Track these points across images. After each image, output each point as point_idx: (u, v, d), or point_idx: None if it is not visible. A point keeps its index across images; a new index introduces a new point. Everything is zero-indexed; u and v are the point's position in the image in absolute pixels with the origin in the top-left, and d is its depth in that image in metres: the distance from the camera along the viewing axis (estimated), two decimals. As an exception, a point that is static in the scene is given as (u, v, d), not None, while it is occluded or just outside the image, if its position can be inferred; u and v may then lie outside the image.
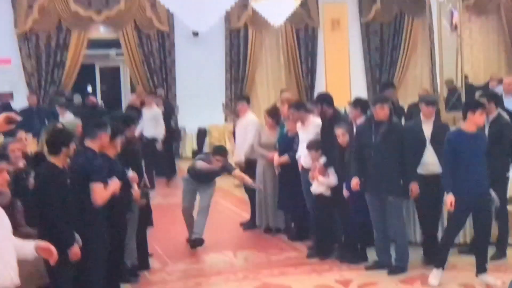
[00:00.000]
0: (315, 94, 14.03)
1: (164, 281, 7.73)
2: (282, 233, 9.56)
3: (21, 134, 7.83)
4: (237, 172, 9.26)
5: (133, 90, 17.63)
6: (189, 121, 17.10)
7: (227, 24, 17.84)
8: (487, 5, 19.30)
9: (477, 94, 10.46)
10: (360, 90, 17.70)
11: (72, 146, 5.90)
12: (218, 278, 7.83)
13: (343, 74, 18.48)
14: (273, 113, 9.87)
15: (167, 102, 16.22)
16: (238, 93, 17.43)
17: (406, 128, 8.03)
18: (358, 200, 7.74)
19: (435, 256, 7.24)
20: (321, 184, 8.23)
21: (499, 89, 12.29)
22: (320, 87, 17.97)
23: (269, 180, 9.60)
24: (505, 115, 8.47)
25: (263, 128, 9.93)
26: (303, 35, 18.60)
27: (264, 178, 9.65)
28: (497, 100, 8.20)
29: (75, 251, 5.63)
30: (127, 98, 17.95)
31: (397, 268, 7.59)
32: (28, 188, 6.40)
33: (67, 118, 12.39)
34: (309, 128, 8.85)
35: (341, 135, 7.98)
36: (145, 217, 7.97)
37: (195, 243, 8.85)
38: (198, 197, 9.16)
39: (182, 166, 15.81)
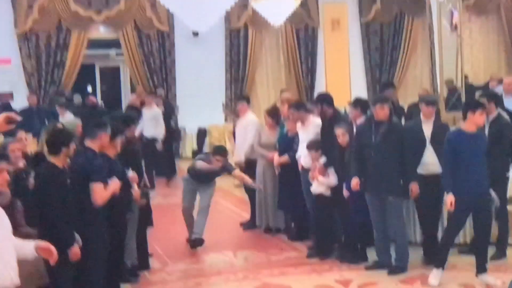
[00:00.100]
0: (315, 94, 14.03)
1: (164, 281, 7.73)
2: (282, 233, 9.56)
3: (21, 134, 7.84)
4: (237, 172, 9.26)
5: (133, 90, 17.63)
6: (189, 121, 17.11)
7: (227, 24, 17.85)
8: (487, 5, 19.30)
9: (477, 94, 10.46)
10: (360, 90, 17.70)
11: (72, 146, 5.90)
12: (218, 278, 7.83)
13: (343, 74, 18.48)
14: (273, 113, 9.86)
15: (167, 102, 16.22)
16: (238, 93, 17.43)
17: (406, 128, 8.03)
18: (358, 200, 7.74)
19: (435, 256, 7.24)
20: (321, 184, 8.23)
21: (499, 89, 12.28)
22: (320, 87, 17.97)
23: (269, 180, 9.60)
24: (505, 115, 8.47)
25: (263, 128, 9.93)
26: (303, 35, 18.61)
27: (264, 178, 9.65)
28: (497, 100, 8.20)
29: (75, 251, 5.64)
30: (127, 98, 17.95)
31: (397, 268, 7.59)
32: (28, 188, 6.40)
33: (67, 118, 12.39)
34: (309, 128, 8.85)
35: (341, 135, 7.98)
36: (145, 217, 7.97)
37: (195, 243, 8.85)
38: (198, 197, 9.15)
39: (182, 166, 15.82)
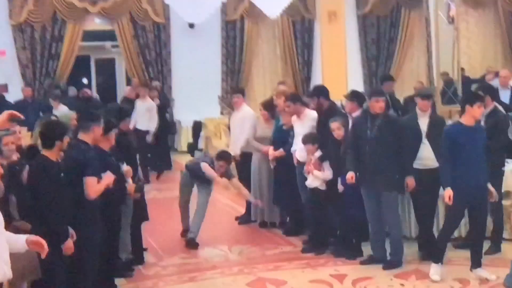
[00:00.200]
0: (311, 87, 13.99)
1: (159, 276, 7.71)
2: (277, 227, 9.54)
3: (16, 127, 7.78)
4: (235, 181, 9.22)
5: (128, 82, 17.59)
6: (184, 114, 17.08)
7: (223, 16, 17.79)
8: (484, -3, 19.25)
9: (473, 87, 10.45)
10: (357, 82, 17.64)
11: (66, 139, 5.86)
12: (213, 272, 7.81)
13: (340, 67, 18.43)
14: (269, 106, 9.83)
15: (163, 94, 16.17)
16: (234, 85, 17.39)
17: (402, 122, 7.99)
18: (353, 194, 7.72)
19: (433, 251, 7.19)
20: (316, 178, 8.21)
21: (495, 82, 12.26)
22: (316, 80, 17.94)
23: (264, 174, 9.58)
24: (501, 108, 8.45)
25: (258, 121, 9.89)
26: (300, 27, 18.56)
27: (259, 172, 9.62)
28: (493, 93, 8.18)
29: (69, 245, 5.62)
30: (122, 90, 17.92)
31: (392, 262, 7.58)
32: (22, 182, 6.36)
33: (61, 111, 12.33)
34: (304, 122, 8.82)
35: (336, 129, 7.95)
36: (140, 211, 7.93)
37: (189, 243, 8.80)
38: (195, 191, 9.10)
39: (178, 159, 15.82)
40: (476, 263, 7.08)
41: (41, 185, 5.61)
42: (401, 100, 12.15)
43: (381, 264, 7.58)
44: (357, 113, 8.19)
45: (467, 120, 6.95)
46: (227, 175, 8.98)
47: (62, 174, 5.74)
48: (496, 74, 13.59)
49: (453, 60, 13.11)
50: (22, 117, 5.27)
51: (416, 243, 8.05)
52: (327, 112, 8.46)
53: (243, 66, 18.02)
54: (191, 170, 8.99)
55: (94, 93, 17.77)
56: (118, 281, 6.95)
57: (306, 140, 8.40)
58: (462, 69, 14.72)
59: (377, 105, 7.58)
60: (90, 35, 17.56)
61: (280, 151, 9.16)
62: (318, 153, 8.27)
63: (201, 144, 16.45)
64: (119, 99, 17.15)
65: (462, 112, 7.09)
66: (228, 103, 15.88)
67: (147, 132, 13.39)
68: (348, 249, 8.01)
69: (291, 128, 9.08)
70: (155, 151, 14.27)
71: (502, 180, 7.89)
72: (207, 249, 8.74)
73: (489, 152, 7.14)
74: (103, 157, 6.48)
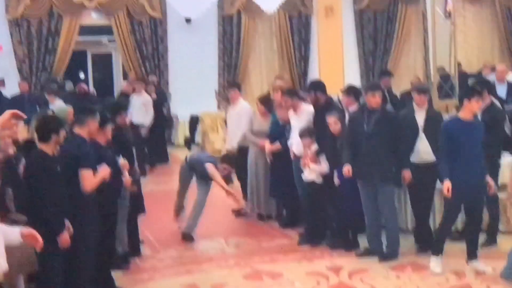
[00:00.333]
0: (308, 82, 13.99)
1: (155, 268, 7.73)
2: (274, 220, 9.56)
3: (12, 121, 7.76)
4: (232, 186, 9.25)
5: (125, 77, 17.58)
6: (181, 108, 17.05)
7: (220, 11, 17.77)
8: (481, -8, 19.28)
9: (470, 81, 10.48)
10: (354, 77, 17.65)
11: (62, 133, 5.87)
12: (209, 265, 7.83)
13: (337, 62, 18.39)
14: (265, 101, 9.84)
15: (160, 89, 16.16)
16: (231, 80, 17.37)
17: (399, 117, 8.01)
18: (349, 188, 7.74)
19: (433, 244, 7.18)
20: (312, 171, 8.23)
21: (492, 77, 12.30)
22: (313, 75, 17.93)
23: (261, 167, 9.59)
24: (497, 103, 8.47)
25: (255, 116, 9.90)
26: (297, 22, 18.54)
27: (256, 165, 9.64)
28: (489, 88, 8.19)
29: (65, 238, 5.62)
30: (119, 85, 17.91)
31: (388, 255, 7.60)
32: (19, 175, 6.37)
33: (57, 105, 12.33)
34: (301, 116, 8.84)
35: (333, 123, 7.97)
36: (137, 204, 7.95)
37: (185, 237, 8.81)
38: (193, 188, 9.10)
39: (174, 153, 15.83)
40: (472, 255, 7.11)
41: (37, 179, 5.62)
42: (398, 95, 12.18)
43: (377, 256, 7.61)
44: (353, 107, 8.21)
45: (465, 114, 6.96)
46: (228, 178, 8.97)
47: (58, 168, 5.74)
48: (493, 69, 13.65)
49: (450, 55, 13.11)
50: (24, 116, 5.30)
51: (412, 235, 8.07)
52: (324, 106, 8.47)
53: (240, 61, 18.01)
54: (192, 166, 8.93)
55: (91, 88, 17.76)
56: (114, 273, 6.95)
57: (303, 133, 8.42)
58: (459, 64, 14.75)
59: (373, 99, 7.60)
60: (86, 30, 17.53)
61: (277, 145, 9.18)
62: (314, 147, 8.29)
63: (197, 138, 16.44)
64: (116, 93, 17.14)
65: (460, 106, 7.10)
66: (225, 97, 15.86)
67: (142, 126, 13.35)
68: (345, 241, 8.03)
69: (287, 123, 9.10)
70: (151, 144, 14.28)
71: (498, 173, 7.91)
72: (203, 241, 8.77)
73: (485, 146, 7.15)
74: (99, 151, 6.48)
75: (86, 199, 6.02)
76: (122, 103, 8.41)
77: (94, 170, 6.07)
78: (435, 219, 8.30)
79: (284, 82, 11.64)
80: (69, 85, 16.36)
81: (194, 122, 16.89)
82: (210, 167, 8.66)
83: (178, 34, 17.39)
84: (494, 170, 7.71)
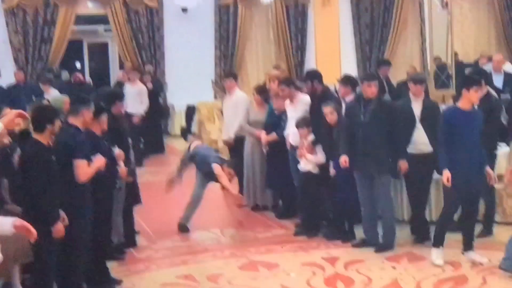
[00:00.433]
0: (305, 71, 13.97)
1: (151, 259, 7.72)
2: (270, 211, 9.55)
3: (7, 110, 7.74)
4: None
5: (121, 66, 17.53)
6: (177, 98, 17.03)
7: (216, 0, 17.74)
8: (478, -19, 19.23)
9: (467, 71, 10.45)
10: (350, 67, 17.63)
11: (57, 124, 5.84)
12: (205, 255, 7.82)
13: (333, 51, 18.39)
14: (262, 91, 9.81)
15: (156, 78, 16.13)
16: (227, 69, 17.34)
17: (395, 107, 7.98)
18: (345, 178, 7.72)
19: (434, 236, 7.13)
20: (309, 161, 8.22)
21: (488, 67, 12.27)
22: (310, 64, 17.90)
23: (257, 158, 9.58)
24: (493, 93, 8.45)
25: (252, 106, 9.88)
26: (293, 11, 18.47)
27: (252, 156, 9.62)
28: (486, 78, 8.16)
29: (59, 228, 5.60)
30: (115, 74, 17.87)
31: (384, 245, 7.60)
32: (14, 165, 6.34)
33: (52, 95, 12.28)
34: (297, 106, 8.83)
35: (329, 113, 7.95)
36: (132, 195, 7.93)
37: (180, 228, 8.78)
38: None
39: (171, 144, 15.81)
40: (468, 246, 7.11)
41: (32, 169, 5.60)
42: (394, 85, 12.16)
43: (373, 247, 7.60)
44: (350, 97, 8.19)
45: (463, 104, 6.93)
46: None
47: (53, 158, 5.72)
48: (489, 59, 13.59)
49: (447, 45, 13.11)
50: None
51: (408, 226, 8.06)
52: (321, 96, 8.45)
53: (236, 50, 17.96)
54: (194, 160, 8.82)
55: (87, 77, 17.72)
56: (110, 264, 6.94)
57: (300, 124, 8.41)
58: (456, 54, 14.72)
59: (369, 89, 7.57)
60: (82, 19, 17.49)
61: (273, 136, 9.16)
62: (311, 137, 8.27)
63: (194, 128, 16.42)
64: (112, 83, 17.10)
65: (458, 96, 7.07)
66: (221, 87, 15.84)
67: (134, 114, 13.28)
68: (341, 232, 8.02)
69: (283, 113, 9.08)
70: (147, 135, 14.26)
71: (495, 163, 7.90)
72: (199, 232, 8.76)
73: (482, 136, 7.13)
74: (94, 141, 6.45)
75: (81, 190, 5.99)
76: (117, 93, 8.35)
77: (89, 160, 6.04)
78: (431, 210, 8.32)
79: (281, 72, 11.60)
80: (65, 75, 16.30)
81: (190, 112, 16.87)
82: (217, 169, 8.43)
83: (175, 24, 17.35)
84: (491, 161, 7.70)
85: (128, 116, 12.84)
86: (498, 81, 10.77)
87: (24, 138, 6.46)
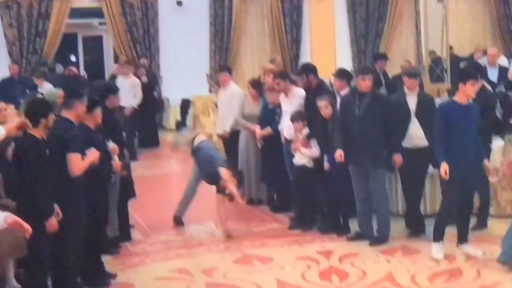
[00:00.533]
0: (300, 64, 13.95)
1: (146, 253, 7.72)
2: (264, 204, 9.54)
3: (1, 104, 7.72)
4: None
5: (116, 59, 17.49)
6: (172, 91, 17.00)
7: (211, -7, 17.69)
8: (474, -25, 19.21)
9: (462, 65, 10.45)
10: (346, 60, 17.61)
11: (51, 117, 5.83)
12: (199, 249, 7.83)
13: (328, 45, 18.34)
14: (257, 84, 9.79)
15: (151, 72, 16.09)
16: (222, 63, 17.31)
17: (390, 101, 7.98)
18: (340, 172, 7.72)
19: (433, 230, 7.10)
20: (303, 155, 8.21)
21: (483, 60, 12.27)
22: (305, 58, 17.88)
23: (252, 152, 9.56)
24: (488, 87, 8.45)
25: (246, 99, 9.86)
26: (288, 4, 18.45)
27: (247, 150, 9.61)
28: (481, 72, 8.16)
29: (52, 222, 5.59)
30: (110, 67, 17.82)
31: (379, 239, 7.61)
32: (8, 159, 6.33)
33: (46, 89, 12.25)
34: (292, 100, 8.82)
35: (324, 107, 7.94)
36: (127, 188, 7.92)
37: (175, 220, 8.77)
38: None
39: (165, 137, 15.80)
40: (462, 239, 7.11)
41: (26, 162, 5.59)
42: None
43: (368, 240, 7.61)
44: (345, 91, 8.18)
45: (460, 98, 6.92)
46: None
47: (47, 152, 5.71)
48: (484, 52, 13.60)
49: (442, 39, 13.08)
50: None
51: (403, 219, 8.07)
52: (315, 90, 8.44)
53: (231, 44, 17.93)
54: (196, 155, 8.65)
55: (82, 71, 17.67)
56: (104, 258, 6.93)
57: (294, 117, 8.40)
58: (451, 48, 14.71)
59: (363, 83, 7.57)
60: (77, 13, 17.42)
61: (267, 130, 9.15)
62: (305, 131, 8.27)
63: (189, 122, 16.41)
64: (107, 76, 17.05)
65: (453, 90, 7.06)
66: (216, 81, 15.81)
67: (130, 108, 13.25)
68: (335, 225, 8.03)
69: (277, 107, 9.07)
70: (142, 128, 14.23)
71: (490, 157, 7.90)
72: (193, 226, 8.76)
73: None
74: (88, 135, 6.44)
75: (74, 183, 5.98)
76: (111, 86, 8.31)
77: (83, 154, 6.03)
78: (426, 204, 8.33)
79: (276, 65, 11.59)
80: (59, 68, 16.25)
81: (185, 105, 16.85)
82: (225, 173, 8.15)
83: (169, 17, 17.31)
84: (486, 154, 7.70)
85: (121, 109, 12.82)
86: (493, 74, 10.78)
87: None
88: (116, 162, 7.17)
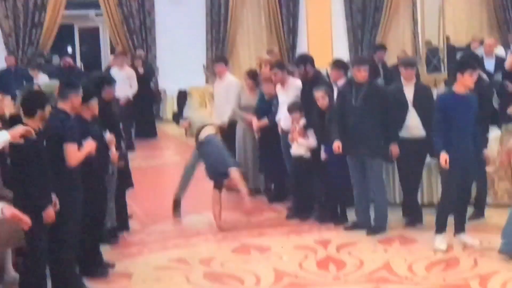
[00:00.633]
0: (297, 55, 13.94)
1: (143, 242, 7.73)
2: (262, 194, 9.56)
3: (-3, 95, 7.72)
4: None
5: (113, 51, 17.46)
6: (169, 82, 16.98)
7: (207, -16, 17.65)
8: (471, -36, 19.20)
9: (458, 55, 10.45)
10: (342, 51, 17.60)
11: (48, 109, 5.82)
12: (197, 239, 7.84)
13: (325, 35, 18.33)
14: (253, 75, 9.79)
15: (147, 63, 16.07)
16: (218, 54, 17.28)
17: (387, 92, 7.98)
18: (337, 162, 7.74)
19: (435, 222, 7.07)
20: (300, 146, 8.22)
21: (480, 51, 12.28)
22: (301, 48, 17.87)
23: (249, 142, 9.58)
24: (485, 77, 8.45)
25: (243, 90, 9.85)
26: (285, -6, 18.44)
27: (244, 140, 9.62)
28: (477, 62, 8.16)
29: (49, 213, 5.59)
30: (107, 59, 17.79)
31: (376, 228, 7.62)
32: (4, 151, 6.32)
33: (41, 80, 12.24)
34: (289, 91, 8.82)
35: (320, 97, 7.94)
36: (125, 179, 7.92)
37: (174, 203, 8.79)
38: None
39: (163, 128, 15.80)
40: (459, 228, 7.13)
41: (23, 154, 5.58)
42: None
43: (365, 230, 7.62)
44: (342, 81, 8.19)
45: (458, 88, 6.91)
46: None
47: (43, 143, 5.71)
48: (481, 43, 13.61)
49: (439, 29, 13.11)
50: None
51: (400, 209, 8.08)
52: (312, 80, 8.44)
53: (228, 34, 17.91)
54: (202, 149, 8.52)
55: (78, 62, 17.64)
56: (102, 248, 6.94)
57: (291, 108, 8.41)
58: (447, 38, 14.73)
59: (359, 74, 7.57)
60: (73, 4, 17.36)
61: (264, 121, 9.16)
62: (302, 121, 8.27)
63: (186, 113, 16.39)
64: (103, 68, 17.03)
65: (450, 80, 7.06)
66: (213, 72, 15.79)
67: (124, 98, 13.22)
68: (333, 215, 8.04)
69: (273, 98, 9.07)
70: (139, 119, 14.23)
71: (487, 147, 7.92)
72: (191, 216, 8.77)
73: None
74: (84, 126, 6.42)
75: (71, 174, 5.98)
76: (106, 77, 8.29)
77: (79, 145, 6.02)
78: (423, 193, 8.35)
79: (273, 56, 11.59)
80: (55, 60, 16.22)
81: (182, 96, 16.84)
82: (235, 174, 8.11)
83: (166, 8, 17.27)
84: (484, 144, 7.72)
85: (117, 100, 12.79)
86: (489, 65, 10.78)
87: (14, 123, 6.43)
88: (113, 153, 7.17)
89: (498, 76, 10.62)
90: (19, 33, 16.30)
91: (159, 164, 9.74)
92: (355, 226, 7.78)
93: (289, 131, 8.44)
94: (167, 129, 16.23)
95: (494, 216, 7.76)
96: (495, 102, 9.56)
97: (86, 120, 6.56)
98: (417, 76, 8.55)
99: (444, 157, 6.75)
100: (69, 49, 19.59)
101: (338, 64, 8.58)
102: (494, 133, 8.34)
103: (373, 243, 7.32)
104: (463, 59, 8.48)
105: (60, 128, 5.92)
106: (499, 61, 11.12)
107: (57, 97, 6.61)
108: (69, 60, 15.79)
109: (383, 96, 7.69)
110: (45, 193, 5.62)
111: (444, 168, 6.80)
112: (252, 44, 18.29)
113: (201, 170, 8.61)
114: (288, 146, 8.48)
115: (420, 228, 7.65)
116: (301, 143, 8.21)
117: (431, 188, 8.37)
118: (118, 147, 7.34)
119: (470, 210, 7.60)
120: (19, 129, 5.27)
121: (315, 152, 8.15)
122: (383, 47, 12.99)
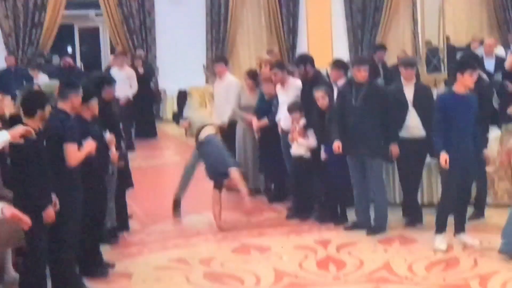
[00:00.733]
0: (297, 55, 13.94)
1: (143, 242, 7.73)
2: (262, 194, 9.56)
3: (-3, 94, 7.72)
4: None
5: (113, 51, 17.46)
6: (169, 82, 16.98)
7: (207, -16, 17.65)
8: (471, -36, 19.20)
9: (458, 55, 10.45)
10: (342, 51, 17.60)
11: (48, 109, 5.82)
12: (197, 239, 7.84)
13: (325, 35, 18.33)
14: (254, 75, 9.79)
15: (147, 63, 16.07)
16: (218, 54, 17.27)
17: (387, 92, 7.98)
18: (337, 162, 7.73)
19: (435, 222, 7.07)
20: (300, 146, 8.22)
21: (480, 51, 12.28)
22: (301, 48, 17.87)
23: (249, 142, 9.58)
24: (485, 77, 8.45)
25: (243, 90, 9.85)
26: (285, -6, 18.44)
27: (244, 140, 9.63)
28: (477, 62, 8.16)
29: (49, 213, 5.59)
30: (107, 59, 17.79)
31: (376, 228, 7.62)
32: (4, 150, 6.32)
33: (41, 80, 12.24)
34: (289, 91, 8.83)
35: (320, 97, 7.94)
36: (125, 178, 7.92)
37: (174, 203, 8.80)
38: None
39: (163, 128, 15.80)
40: (459, 228, 7.13)
41: (23, 154, 5.58)
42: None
43: (365, 230, 7.62)
44: (342, 81, 8.19)
45: (458, 88, 6.91)
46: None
47: (43, 143, 5.71)
48: (481, 42, 13.61)
49: (439, 28, 13.10)
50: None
51: (400, 209, 8.08)
52: (312, 80, 8.45)
53: (228, 35, 17.91)
54: (202, 149, 8.53)
55: (78, 62, 17.64)
56: (102, 247, 6.94)
57: (291, 108, 8.41)
58: (447, 38, 14.72)
59: (359, 74, 7.57)
60: (73, 4, 17.36)
61: (264, 121, 9.16)
62: (302, 121, 8.27)
63: (186, 113, 16.39)
64: (103, 68, 17.03)
65: (450, 80, 7.06)
66: (213, 72, 15.79)
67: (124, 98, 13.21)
68: (333, 215, 8.04)
69: (273, 98, 9.07)
70: (139, 119, 14.23)
71: (487, 147, 7.92)
72: (191, 216, 8.77)
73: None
74: (84, 126, 6.42)
75: (71, 174, 5.98)
76: (105, 77, 8.29)
77: (79, 145, 6.03)
78: (423, 193, 8.35)
79: (273, 56, 11.59)
80: (55, 60, 16.22)
81: (182, 96, 16.84)
82: (235, 174, 8.10)
83: (166, 8, 17.27)
84: (484, 144, 7.72)
85: (117, 100, 12.79)
86: (489, 65, 10.78)
87: (14, 123, 6.43)
88: (113, 153, 7.17)
89: (498, 76, 10.62)
90: (19, 33, 16.30)
91: (159, 164, 9.74)
92: (355, 226, 7.78)
93: (289, 131, 8.44)
94: (167, 129, 16.23)
95: (494, 216, 7.77)
96: (495, 102, 9.55)
97: (86, 120, 6.57)
98: (417, 76, 8.55)
99: (444, 157, 6.75)
100: (69, 49, 19.58)
101: (338, 64, 8.58)
102: (494, 133, 8.34)
103: (373, 243, 7.32)
104: (463, 59, 8.48)
105: (60, 128, 5.92)
106: (499, 61, 11.12)
107: (57, 97, 6.61)
108: (69, 60, 15.79)
109: (383, 96, 7.69)
110: (45, 193, 5.62)
111: (444, 168, 6.81)
112: (252, 44, 18.29)
113: (201, 170, 8.61)
114: (288, 146, 8.48)
115: (420, 228, 7.66)
116: (301, 143, 8.21)
117: (431, 188, 8.38)
118: (118, 147, 7.34)
119: (470, 210, 7.60)
120: (19, 129, 5.27)
121: (315, 152, 8.15)
122: (383, 47, 12.99)
